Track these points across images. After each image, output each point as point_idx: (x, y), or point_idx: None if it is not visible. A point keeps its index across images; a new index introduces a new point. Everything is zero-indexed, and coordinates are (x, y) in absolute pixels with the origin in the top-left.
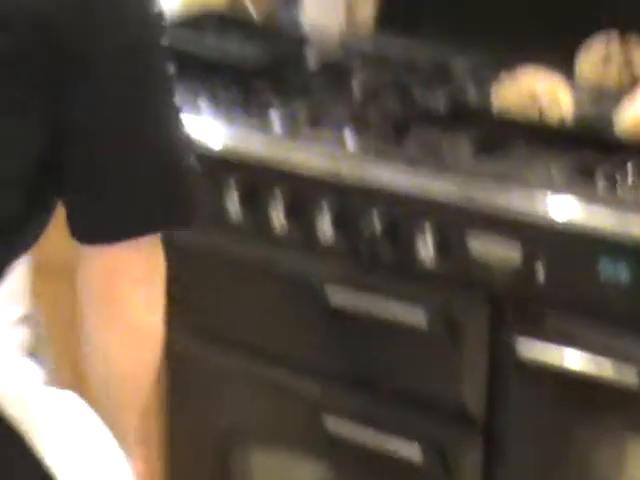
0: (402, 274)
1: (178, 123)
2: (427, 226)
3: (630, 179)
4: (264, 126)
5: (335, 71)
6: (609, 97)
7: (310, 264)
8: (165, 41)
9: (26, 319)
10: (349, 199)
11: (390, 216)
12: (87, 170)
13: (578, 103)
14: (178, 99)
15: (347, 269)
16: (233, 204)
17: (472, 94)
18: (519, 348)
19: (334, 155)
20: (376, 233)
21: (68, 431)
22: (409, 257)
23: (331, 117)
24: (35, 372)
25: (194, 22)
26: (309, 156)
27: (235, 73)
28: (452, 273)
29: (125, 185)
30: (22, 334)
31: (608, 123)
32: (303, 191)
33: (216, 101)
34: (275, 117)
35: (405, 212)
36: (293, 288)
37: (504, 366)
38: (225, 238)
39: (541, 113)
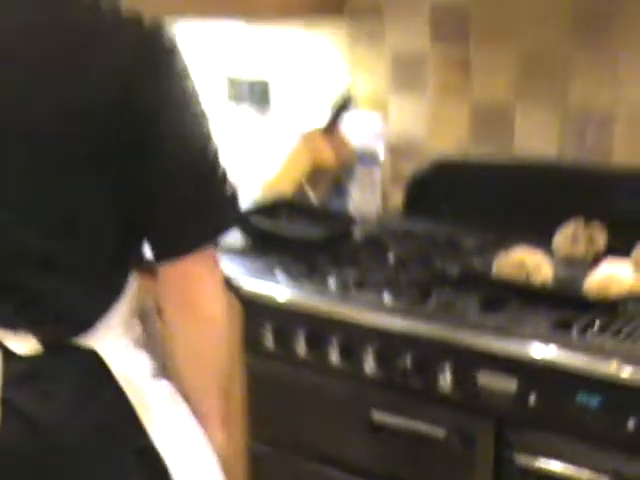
0: (427, 399)
1: (216, 158)
2: (446, 364)
3: (597, 329)
4: (323, 288)
5: (375, 245)
6: (578, 266)
7: (358, 390)
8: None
9: (141, 317)
10: (387, 343)
11: (418, 356)
12: (159, 212)
13: (555, 271)
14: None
15: (386, 395)
16: (301, 346)
17: (478, 264)
18: (517, 458)
19: (375, 310)
20: (407, 368)
21: (169, 415)
22: (432, 386)
23: (372, 281)
24: (146, 363)
25: (270, 208)
26: (357, 310)
27: (302, 248)
28: (465, 399)
29: (185, 215)
30: (137, 330)
31: (578, 286)
32: (352, 336)
33: (288, 270)
34: (331, 281)
35: (429, 353)
36: (345, 408)
37: (506, 472)
38: (294, 370)
39: (528, 278)
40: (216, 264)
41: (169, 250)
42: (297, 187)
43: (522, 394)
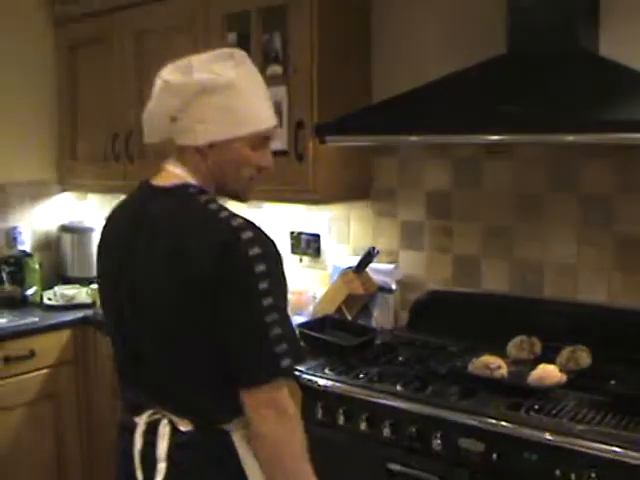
0: (424, 455)
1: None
2: (438, 432)
3: (537, 409)
4: (355, 379)
5: (390, 350)
6: (523, 366)
7: (378, 448)
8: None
9: None
10: (398, 417)
11: (419, 426)
12: (234, 360)
13: (509, 369)
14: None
15: (397, 452)
16: (340, 419)
17: (459, 364)
18: None
19: (390, 395)
20: (412, 434)
21: None
22: (428, 447)
23: (388, 375)
24: None
25: (320, 323)
26: (378, 395)
27: (340, 351)
28: (450, 456)
29: (251, 359)
30: None
31: (524, 379)
32: (375, 412)
33: (332, 366)
34: (361, 375)
35: (426, 425)
36: (368, 460)
37: None
38: (335, 435)
39: (492, 374)
40: (275, 395)
41: (239, 383)
42: (337, 308)
43: (488, 453)
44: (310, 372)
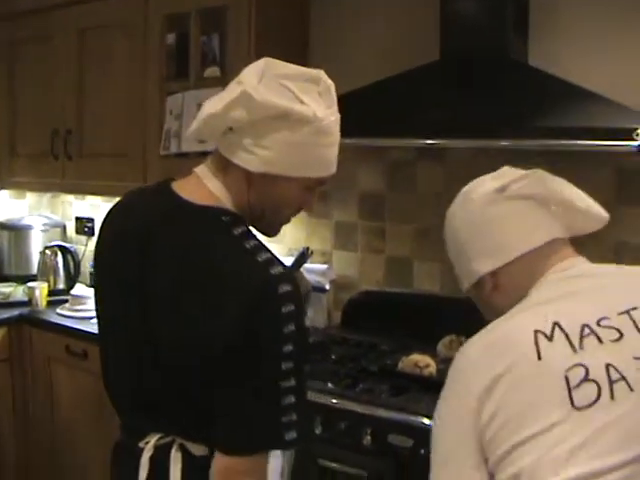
0: (355, 451)
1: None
2: (368, 428)
3: None
4: None
5: (322, 348)
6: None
7: (310, 445)
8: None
9: None
10: (329, 414)
11: (350, 423)
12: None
13: (438, 367)
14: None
15: (328, 448)
16: None
17: (389, 362)
18: None
19: (322, 393)
20: (342, 430)
21: None
22: (359, 443)
23: (320, 372)
24: None
25: None
26: (310, 393)
27: None
28: (379, 451)
29: (241, 424)
30: None
31: None
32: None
33: None
34: None
35: (357, 421)
36: (300, 456)
37: None
38: None
39: (421, 372)
40: (256, 467)
41: (226, 445)
42: None
43: (416, 449)
44: None
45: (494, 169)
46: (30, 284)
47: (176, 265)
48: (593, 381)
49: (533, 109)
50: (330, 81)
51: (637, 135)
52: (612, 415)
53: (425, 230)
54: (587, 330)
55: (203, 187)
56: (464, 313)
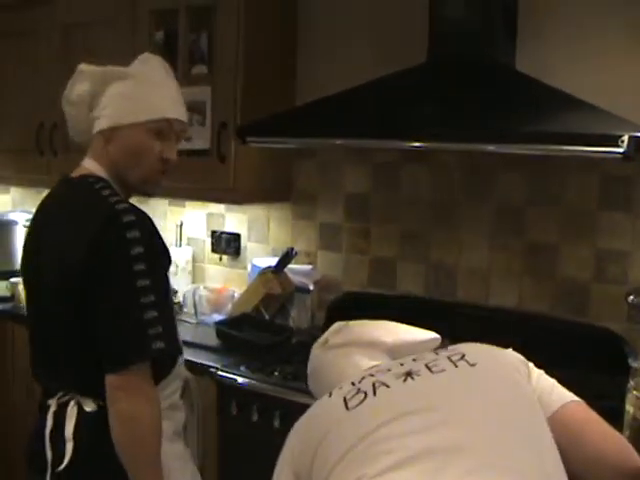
0: None
1: (137, 306)
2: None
3: None
4: (270, 377)
5: (305, 348)
6: None
7: None
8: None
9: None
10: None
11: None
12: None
13: None
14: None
15: None
16: (254, 415)
17: None
18: None
19: (305, 394)
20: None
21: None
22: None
23: (303, 374)
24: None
25: (237, 321)
26: (292, 394)
27: (256, 349)
28: None
29: (107, 347)
30: (177, 419)
31: None
32: (291, 410)
33: (247, 364)
34: (275, 373)
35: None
36: None
37: None
38: (249, 430)
39: None
40: (132, 381)
41: (107, 364)
42: (255, 308)
43: None
44: (225, 369)
45: (479, 173)
46: (13, 280)
47: (49, 222)
48: (362, 392)
49: (519, 114)
50: (159, 57)
51: (622, 142)
52: (371, 405)
53: (409, 232)
54: (366, 374)
55: (82, 167)
56: (448, 315)
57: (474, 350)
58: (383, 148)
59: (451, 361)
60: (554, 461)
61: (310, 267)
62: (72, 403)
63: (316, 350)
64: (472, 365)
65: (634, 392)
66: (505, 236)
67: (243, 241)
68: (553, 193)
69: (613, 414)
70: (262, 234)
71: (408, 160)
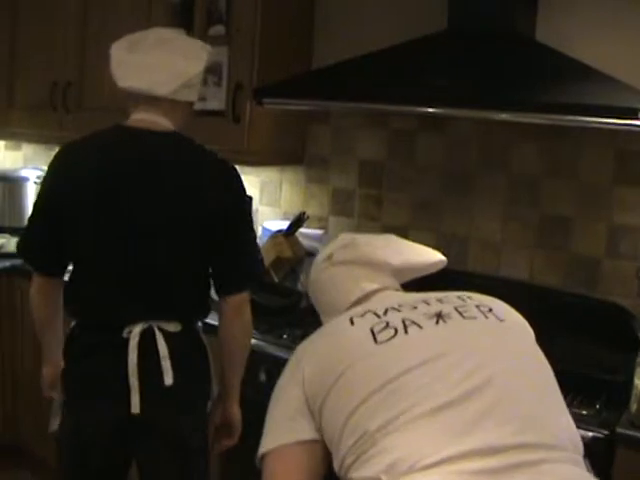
0: None
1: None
2: None
3: None
4: (278, 339)
5: (313, 312)
6: None
7: None
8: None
9: None
10: None
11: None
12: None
13: None
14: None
15: None
16: (262, 375)
17: None
18: None
19: None
20: None
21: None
22: None
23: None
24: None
25: None
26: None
27: (267, 312)
28: None
29: (235, 270)
30: None
31: None
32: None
33: (256, 326)
34: (285, 335)
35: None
36: None
37: None
38: (257, 390)
39: None
40: (247, 302)
41: (227, 290)
42: (265, 270)
43: None
44: None
45: (495, 144)
46: None
47: (160, 172)
48: (391, 327)
49: (536, 84)
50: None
51: None
52: (405, 343)
53: (422, 201)
54: (390, 308)
55: (155, 122)
56: (457, 285)
57: (499, 306)
58: (398, 113)
59: (480, 311)
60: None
61: (321, 232)
62: (156, 329)
63: (320, 264)
64: (501, 321)
65: None
66: (518, 208)
67: (255, 204)
68: (569, 166)
69: (622, 388)
70: (274, 197)
71: (424, 128)
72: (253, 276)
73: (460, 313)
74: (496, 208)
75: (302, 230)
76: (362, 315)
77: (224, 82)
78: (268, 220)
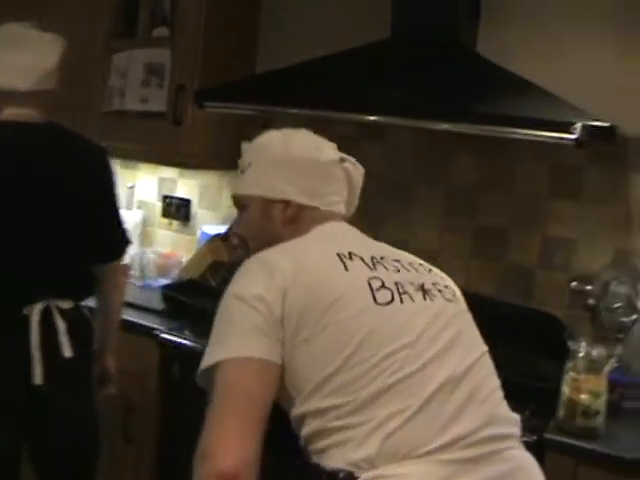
0: None
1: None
2: None
3: None
4: None
5: None
6: None
7: None
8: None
9: None
10: None
11: None
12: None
13: None
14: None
15: None
16: None
17: None
18: None
19: None
20: None
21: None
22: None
23: None
24: None
25: (184, 286)
26: None
27: (202, 315)
28: None
29: (113, 239)
30: None
31: None
32: None
33: (192, 328)
34: None
35: None
36: None
37: None
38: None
39: None
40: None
41: (107, 258)
42: (202, 274)
43: None
44: (170, 333)
45: (434, 153)
46: None
47: (47, 160)
48: (387, 289)
49: (475, 96)
50: None
51: (575, 129)
52: (402, 313)
53: (362, 208)
54: (375, 260)
55: (25, 114)
56: None
57: (451, 285)
58: (339, 120)
59: (449, 291)
60: None
61: None
62: (54, 307)
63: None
64: (456, 301)
65: (571, 374)
66: (456, 218)
67: (194, 207)
68: (506, 178)
69: (553, 396)
70: (213, 201)
71: (365, 136)
72: (127, 244)
73: (440, 292)
74: (434, 217)
75: None
76: (350, 257)
77: (166, 84)
78: (207, 224)
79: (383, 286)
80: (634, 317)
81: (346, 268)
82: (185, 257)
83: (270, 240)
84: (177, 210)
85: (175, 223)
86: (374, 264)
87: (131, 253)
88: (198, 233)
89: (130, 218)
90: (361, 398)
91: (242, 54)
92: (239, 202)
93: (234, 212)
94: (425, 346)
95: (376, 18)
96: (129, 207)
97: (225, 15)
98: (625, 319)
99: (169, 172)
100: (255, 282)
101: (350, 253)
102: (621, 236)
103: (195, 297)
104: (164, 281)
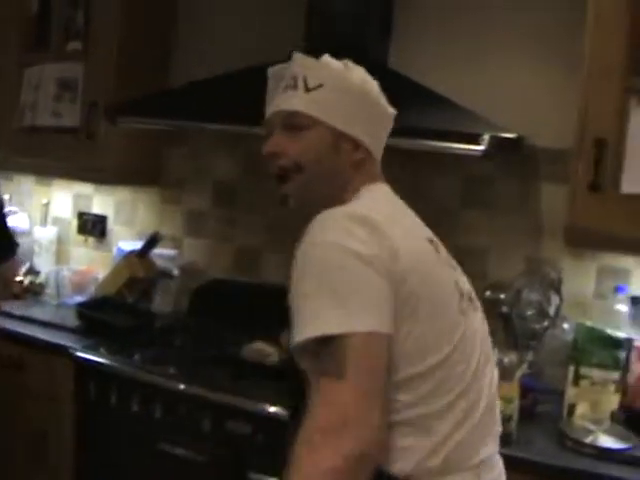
0: (194, 435)
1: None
2: (206, 414)
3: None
4: (129, 359)
5: (167, 333)
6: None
7: (150, 427)
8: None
9: None
10: (171, 398)
11: (190, 407)
12: None
13: (282, 356)
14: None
15: (170, 432)
16: (114, 396)
17: (233, 348)
18: (250, 474)
19: (163, 376)
20: (184, 415)
21: None
22: (197, 430)
23: (163, 357)
24: None
25: (99, 303)
26: (150, 376)
27: (118, 332)
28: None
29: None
30: None
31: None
32: (148, 393)
33: (107, 346)
34: (136, 356)
35: (194, 407)
36: (138, 439)
37: None
38: (106, 410)
39: (263, 359)
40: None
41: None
42: (118, 290)
43: (254, 435)
44: (85, 351)
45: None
46: None
47: None
48: (461, 295)
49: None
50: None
51: (482, 140)
52: (472, 323)
53: (274, 222)
54: (437, 249)
55: None
56: None
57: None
58: (250, 134)
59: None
60: None
61: (175, 252)
62: None
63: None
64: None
65: None
66: None
67: (110, 223)
68: (419, 189)
69: None
70: (129, 217)
71: None
72: (16, 243)
73: (471, 301)
74: None
75: (156, 251)
76: (436, 250)
77: (79, 98)
78: (122, 240)
79: (462, 296)
80: (546, 324)
81: (439, 259)
82: (101, 274)
83: (331, 177)
84: (93, 226)
85: (91, 240)
86: (445, 262)
87: (46, 270)
88: (114, 249)
89: (44, 235)
90: (448, 400)
91: (156, 69)
92: (292, 120)
93: (149, 228)
94: (480, 361)
95: (289, 32)
96: (43, 224)
97: (140, 30)
98: (537, 326)
99: (84, 188)
100: (371, 243)
101: (431, 239)
102: (532, 244)
103: (110, 314)
104: (80, 298)
